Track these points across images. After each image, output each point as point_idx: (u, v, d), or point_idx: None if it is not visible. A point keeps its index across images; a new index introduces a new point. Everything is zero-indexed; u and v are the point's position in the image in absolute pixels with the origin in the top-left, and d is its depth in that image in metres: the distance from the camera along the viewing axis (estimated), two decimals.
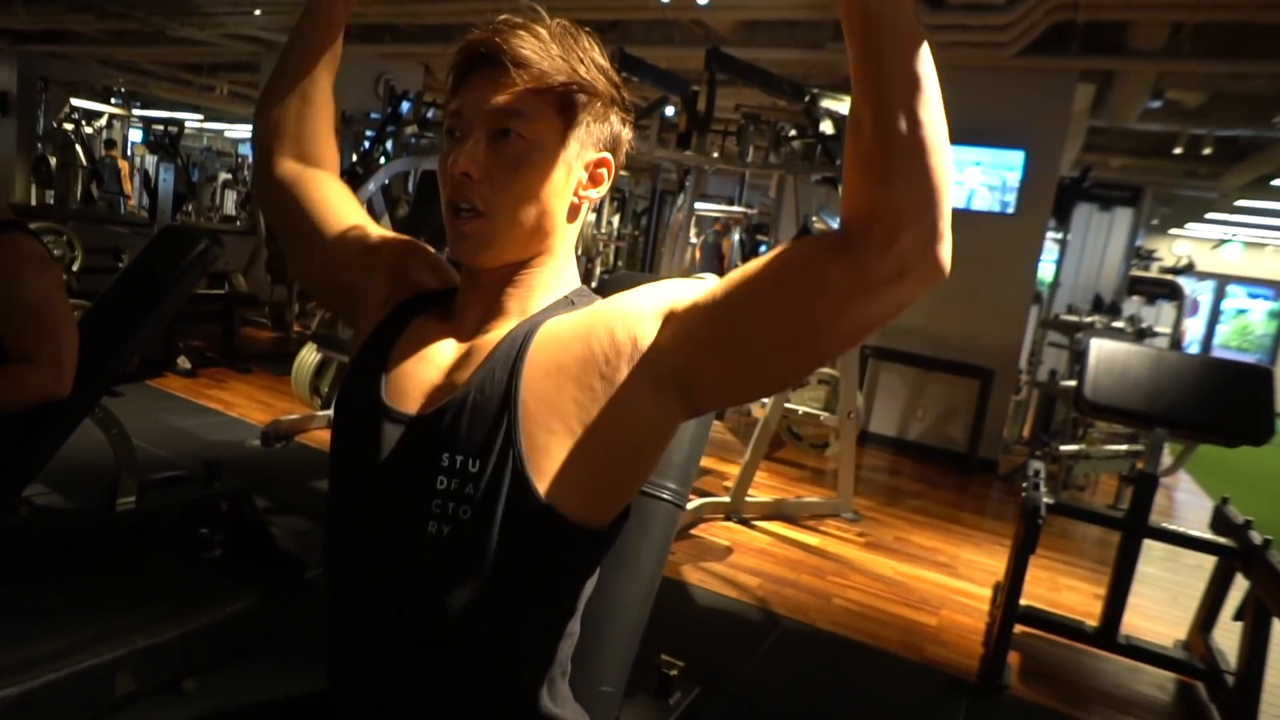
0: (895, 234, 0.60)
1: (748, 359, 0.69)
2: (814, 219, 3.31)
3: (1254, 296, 12.09)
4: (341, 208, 0.92)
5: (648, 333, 0.71)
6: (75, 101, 7.53)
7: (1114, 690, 2.45)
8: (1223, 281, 11.46)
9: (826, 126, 3.30)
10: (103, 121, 7.71)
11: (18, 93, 8.82)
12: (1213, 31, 4.10)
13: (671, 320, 0.71)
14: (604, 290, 1.22)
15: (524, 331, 0.76)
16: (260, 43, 7.12)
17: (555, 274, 0.81)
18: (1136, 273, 5.41)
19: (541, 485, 0.70)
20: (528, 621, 0.76)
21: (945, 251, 0.61)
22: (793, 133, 3.56)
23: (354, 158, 5.23)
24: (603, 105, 0.77)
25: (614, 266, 9.15)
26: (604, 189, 0.81)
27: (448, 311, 0.83)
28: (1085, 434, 4.27)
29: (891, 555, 3.30)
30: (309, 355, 3.74)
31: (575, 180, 0.78)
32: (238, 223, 8.07)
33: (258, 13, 5.87)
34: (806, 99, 3.05)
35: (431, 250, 0.94)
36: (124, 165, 7.87)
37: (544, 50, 0.73)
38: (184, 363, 4.55)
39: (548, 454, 0.71)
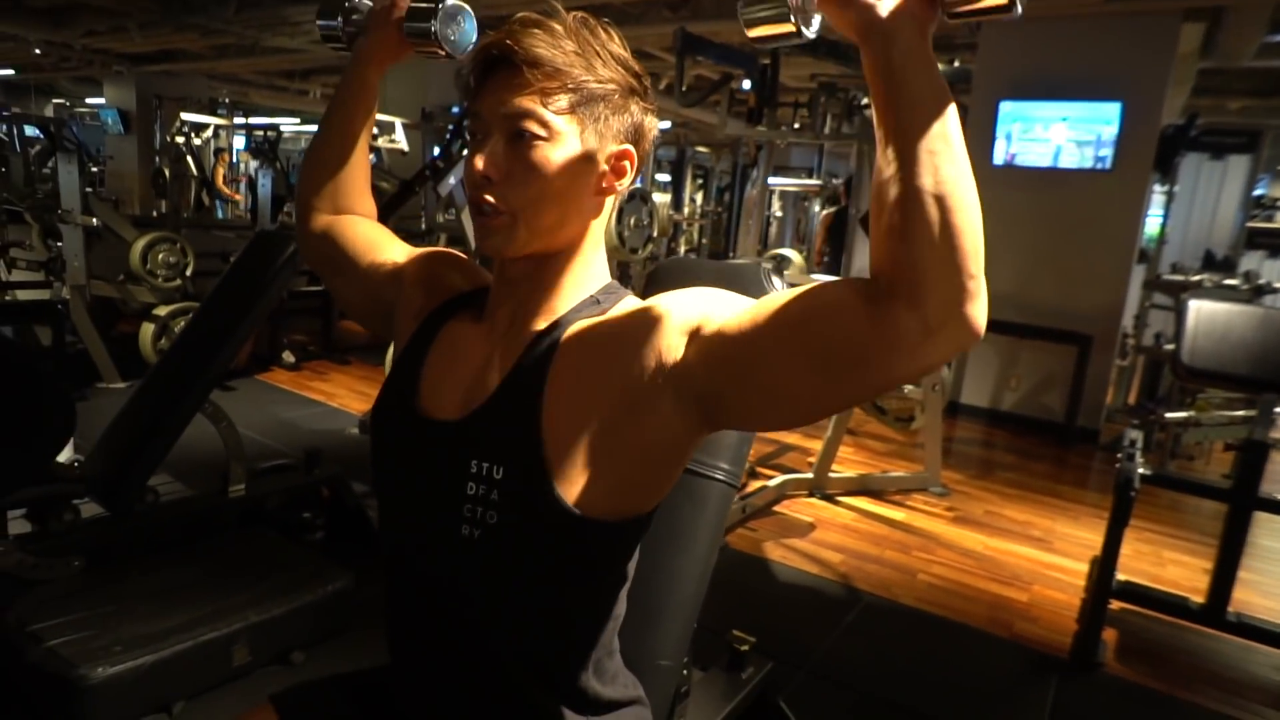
0: (921, 294, 0.59)
1: (767, 396, 0.69)
2: None
3: None
4: (372, 239, 0.98)
5: (673, 348, 0.71)
6: (185, 115, 8.06)
7: (1223, 671, 2.33)
8: None
9: None
10: (209, 132, 8.21)
11: (137, 111, 9.52)
12: None
13: (697, 339, 0.70)
14: (657, 278, 1.25)
15: (551, 335, 0.78)
16: None
17: (583, 269, 0.82)
18: (1255, 224, 4.99)
19: (564, 489, 0.72)
20: (565, 613, 0.80)
21: (976, 311, 0.60)
22: (865, 101, 3.45)
23: (436, 151, 5.41)
24: (621, 97, 0.77)
25: (698, 245, 9.12)
26: (628, 181, 0.81)
27: (479, 312, 0.86)
28: (1195, 400, 4.01)
29: (981, 530, 3.21)
30: None
31: (597, 174, 0.78)
32: None
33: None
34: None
35: (460, 254, 0.99)
36: (220, 171, 8.35)
37: (557, 46, 0.74)
38: (288, 357, 4.85)
39: (572, 459, 0.72)
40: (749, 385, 0.69)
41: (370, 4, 0.99)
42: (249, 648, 1.82)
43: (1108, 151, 4.32)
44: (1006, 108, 4.53)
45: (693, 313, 0.72)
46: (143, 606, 1.78)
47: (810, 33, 0.66)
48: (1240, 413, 3.98)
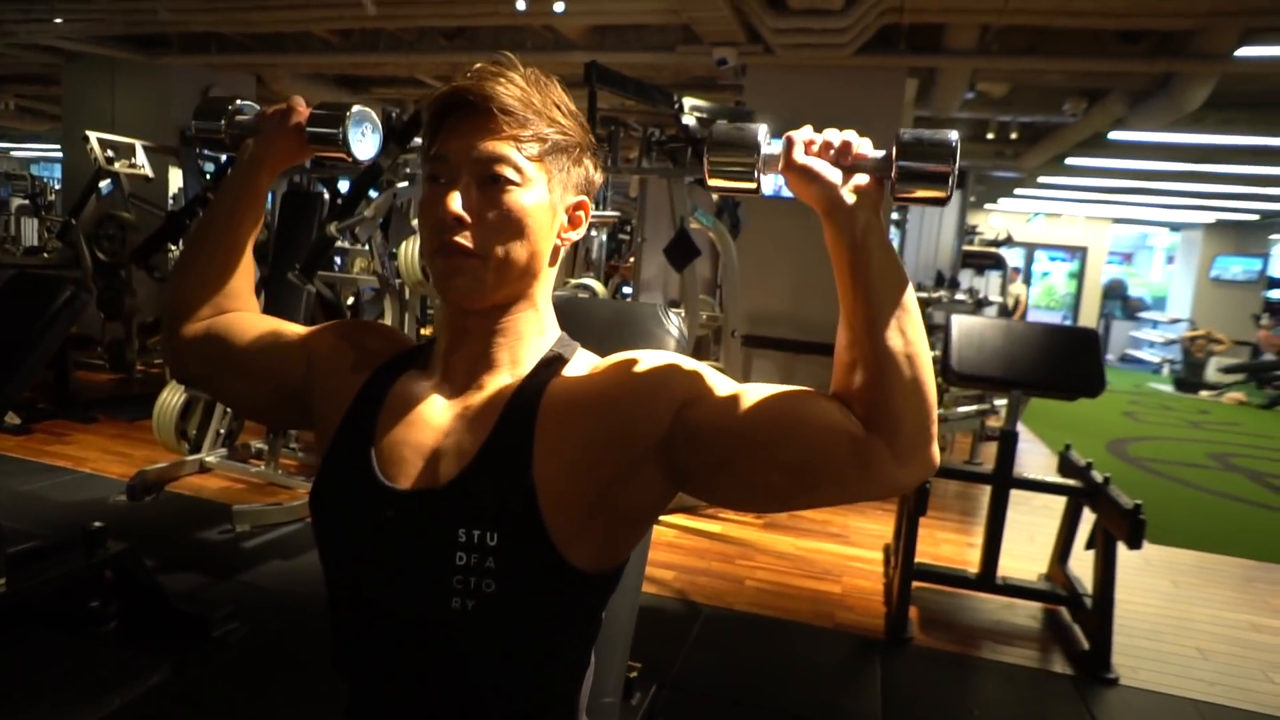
0: (895, 434, 0.67)
1: (743, 486, 0.73)
2: (690, 218, 3.44)
3: (1054, 260, 13.64)
4: (262, 328, 0.90)
5: (661, 421, 0.73)
6: None
7: (997, 626, 2.75)
8: (1031, 249, 12.82)
9: (692, 126, 3.43)
10: None
11: None
12: (1014, 33, 4.60)
13: (683, 420, 0.72)
14: (588, 325, 1.24)
15: (530, 395, 0.76)
16: (59, 53, 6.42)
17: (540, 319, 0.81)
18: (967, 248, 5.99)
19: (563, 546, 0.72)
20: (558, 668, 0.80)
21: (935, 449, 0.70)
22: (659, 136, 3.67)
23: (204, 180, 4.87)
24: (579, 150, 0.80)
25: None
26: (581, 231, 0.83)
27: (426, 369, 0.82)
28: (941, 399, 4.69)
29: (789, 532, 3.51)
30: (172, 396, 3.46)
31: (558, 223, 0.80)
32: (45, 254, 7.25)
33: (58, 21, 5.29)
34: (676, 105, 3.17)
35: (366, 321, 0.94)
36: None
37: (526, 98, 0.75)
38: (12, 418, 4.07)
39: (567, 519, 0.72)
40: (728, 474, 0.72)
41: (256, 108, 0.94)
42: None
43: None
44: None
45: (679, 391, 0.74)
46: None
47: (766, 191, 0.75)
48: (974, 407, 4.72)
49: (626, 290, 6.36)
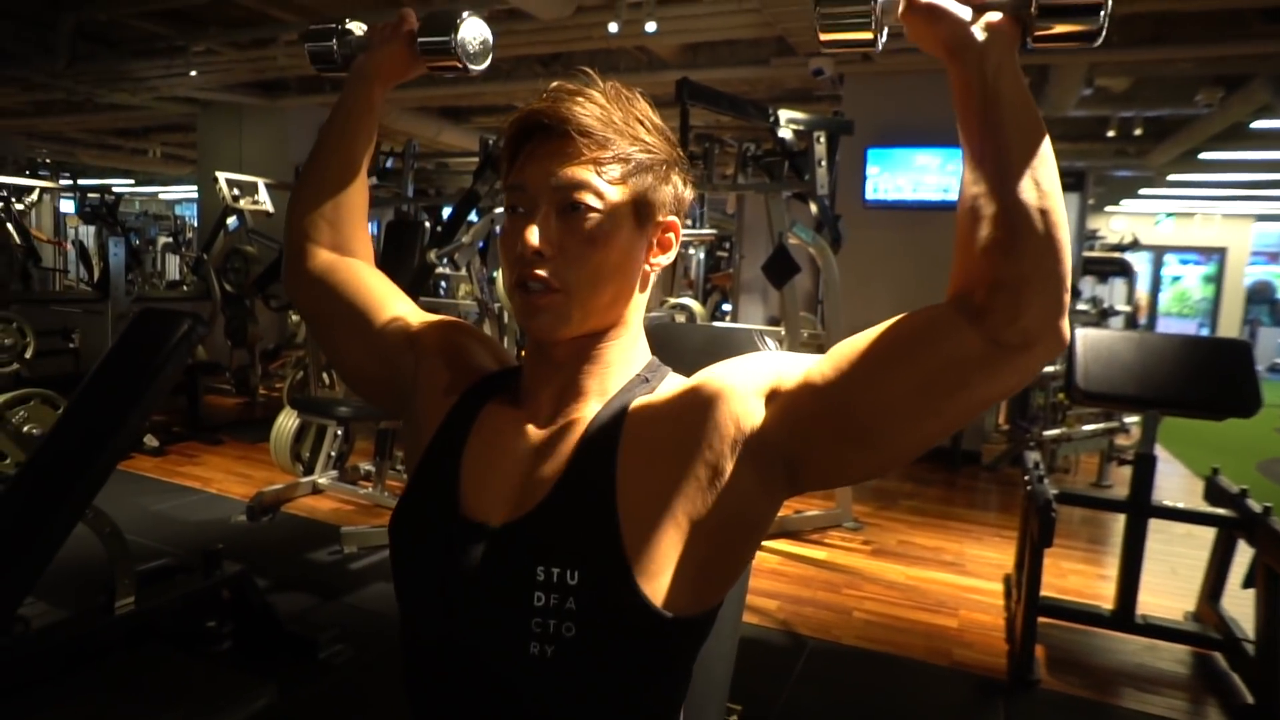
0: (1022, 307, 0.60)
1: (862, 440, 0.66)
2: (788, 234, 3.34)
3: (1185, 263, 12.61)
4: (383, 292, 0.88)
5: (752, 412, 0.68)
6: (1, 179, 7.25)
7: (1138, 671, 2.48)
8: (1159, 252, 11.91)
9: (788, 139, 3.34)
10: (34, 196, 7.44)
11: None
12: (1137, 21, 4.27)
13: (777, 399, 0.68)
14: (681, 351, 1.20)
15: (610, 418, 0.72)
16: (195, 103, 6.98)
17: (630, 346, 0.77)
18: (1087, 254, 5.60)
19: (648, 586, 0.66)
20: (651, 715, 0.73)
21: (1066, 324, 0.62)
22: (754, 151, 3.60)
23: None
24: (666, 167, 0.74)
25: None
26: (672, 254, 0.78)
27: (515, 395, 0.79)
28: (1064, 417, 4.37)
29: (899, 560, 3.32)
30: (287, 421, 3.63)
31: (645, 248, 0.75)
32: (184, 287, 7.85)
33: (193, 74, 5.74)
34: (771, 118, 3.09)
35: (474, 328, 0.91)
36: (39, 235, 7.55)
37: (606, 117, 0.70)
38: (151, 441, 4.38)
39: (652, 553, 0.66)
40: (842, 433, 0.66)
41: (364, 26, 0.92)
42: None
43: None
44: (874, 154, 4.85)
45: (767, 375, 0.69)
46: None
47: (881, 43, 0.66)
48: (1101, 425, 4.37)
49: (726, 307, 6.28)
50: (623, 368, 0.76)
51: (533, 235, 0.69)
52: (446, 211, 4.80)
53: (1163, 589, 3.02)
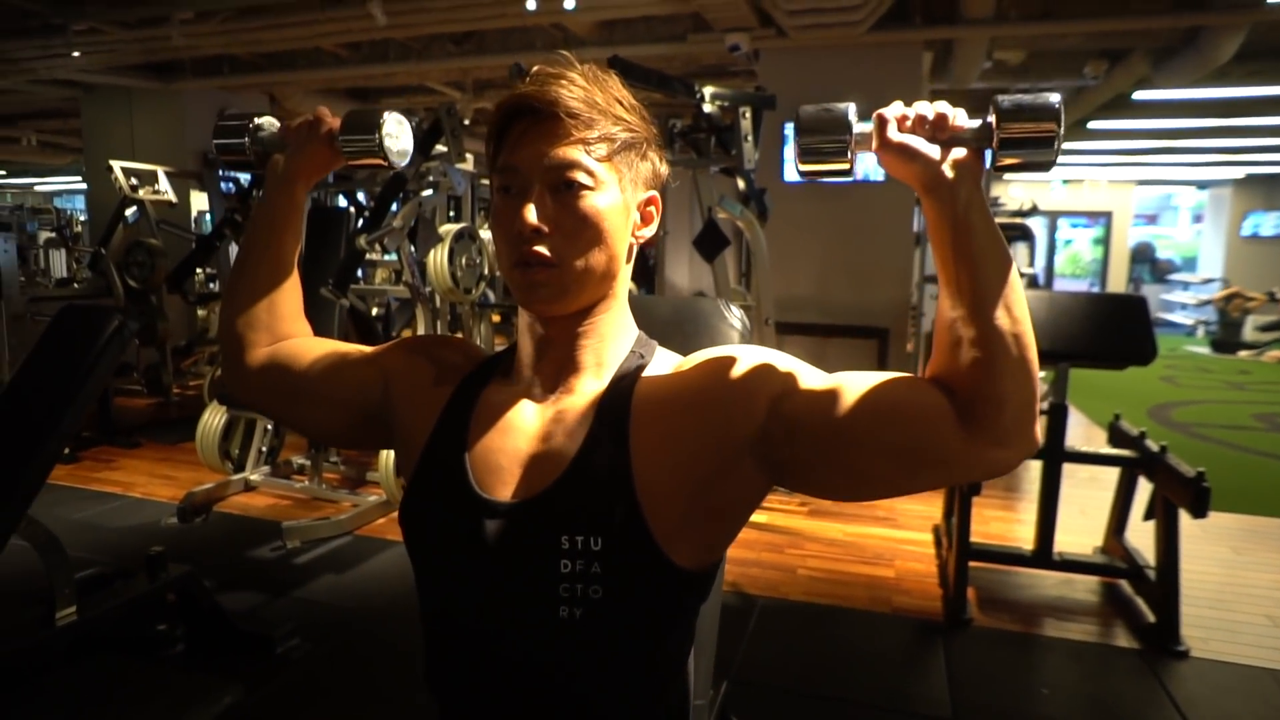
0: (1002, 418, 0.66)
1: (847, 476, 0.72)
2: (717, 208, 3.41)
3: (1076, 226, 13.41)
4: (327, 351, 0.90)
5: (757, 415, 0.72)
6: None
7: (1058, 603, 2.70)
8: (1054, 217, 12.61)
9: (714, 115, 3.40)
10: None
11: None
12: None
13: (780, 413, 0.72)
14: (650, 320, 1.23)
15: (619, 396, 0.76)
16: (77, 86, 6.51)
17: (621, 317, 0.81)
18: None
19: (666, 546, 0.71)
20: (666, 675, 0.79)
21: (1037, 429, 0.68)
22: (680, 127, 3.64)
23: (228, 200, 4.91)
24: (645, 144, 0.79)
25: None
26: (654, 227, 0.82)
27: (510, 377, 0.82)
28: None
29: (836, 518, 3.47)
30: (213, 418, 3.49)
31: (631, 222, 0.79)
32: (75, 285, 7.36)
33: (76, 55, 5.35)
34: (697, 95, 3.14)
35: (439, 335, 0.93)
36: None
37: (589, 98, 0.74)
38: None
39: (668, 519, 0.72)
40: (829, 464, 0.72)
41: (276, 122, 0.91)
42: None
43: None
44: (791, 129, 4.97)
45: (774, 384, 0.73)
46: None
47: (856, 173, 0.72)
48: None
49: None
50: (616, 340, 0.80)
51: (531, 214, 0.72)
52: (363, 195, 4.67)
53: (1075, 528, 3.27)
